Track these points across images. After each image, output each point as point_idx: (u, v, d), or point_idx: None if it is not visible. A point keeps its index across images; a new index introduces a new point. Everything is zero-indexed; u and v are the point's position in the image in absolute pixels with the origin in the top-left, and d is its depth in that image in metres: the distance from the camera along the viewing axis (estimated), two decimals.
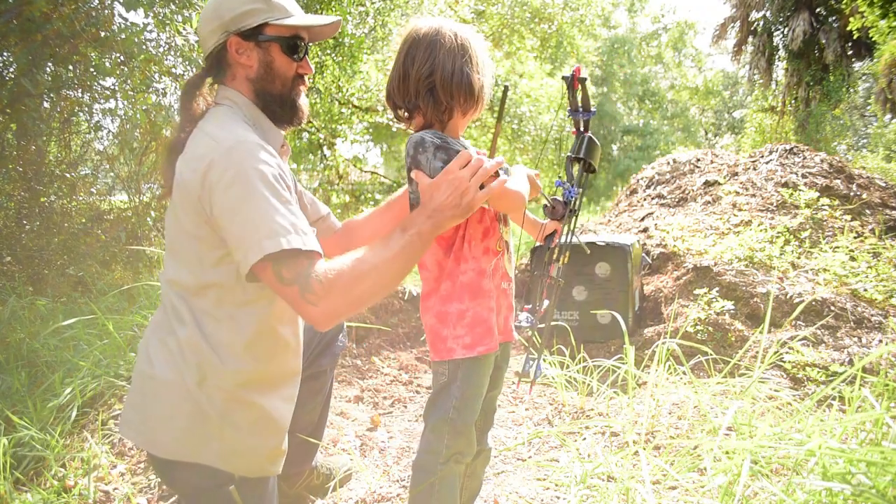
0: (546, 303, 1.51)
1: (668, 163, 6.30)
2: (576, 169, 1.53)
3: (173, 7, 3.81)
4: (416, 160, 1.33)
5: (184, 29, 3.92)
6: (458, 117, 1.42)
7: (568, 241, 1.50)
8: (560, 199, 1.47)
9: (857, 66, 17.79)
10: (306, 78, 1.49)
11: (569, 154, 1.53)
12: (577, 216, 1.50)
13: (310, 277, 1.19)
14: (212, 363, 1.31)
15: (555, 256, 1.50)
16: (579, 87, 1.50)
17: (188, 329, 1.33)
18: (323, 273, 1.20)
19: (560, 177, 1.51)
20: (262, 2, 1.40)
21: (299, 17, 1.43)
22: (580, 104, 1.52)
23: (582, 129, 1.53)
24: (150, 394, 1.35)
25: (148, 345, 1.39)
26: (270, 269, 1.20)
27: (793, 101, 17.59)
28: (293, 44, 1.44)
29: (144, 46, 3.85)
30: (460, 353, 1.42)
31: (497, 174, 1.34)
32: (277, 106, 1.45)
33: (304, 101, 1.50)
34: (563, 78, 1.51)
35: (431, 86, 1.35)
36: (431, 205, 1.27)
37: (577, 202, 1.49)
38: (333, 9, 5.92)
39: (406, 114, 1.43)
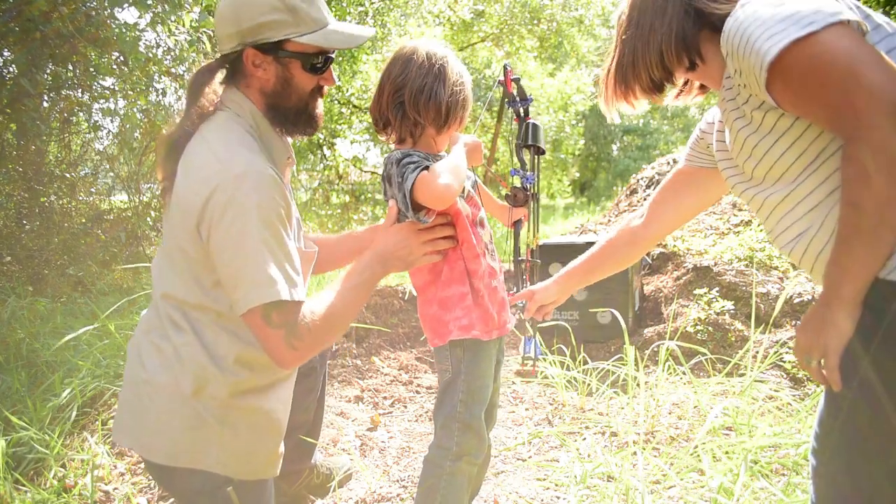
0: (528, 285, 1.64)
1: (668, 163, 6.30)
2: (527, 155, 1.60)
3: (167, 7, 3.80)
4: (388, 175, 1.40)
5: (176, 29, 3.91)
6: (430, 133, 1.45)
7: (536, 223, 1.62)
8: (518, 186, 1.56)
9: None
10: (325, 88, 1.43)
11: (517, 142, 1.60)
12: (537, 199, 1.61)
13: (298, 325, 1.23)
14: (211, 372, 1.29)
15: (528, 241, 1.63)
16: (514, 86, 1.61)
17: (186, 337, 1.30)
18: (307, 320, 1.25)
19: (514, 165, 1.59)
20: (288, 12, 1.29)
21: (327, 33, 1.34)
22: (517, 96, 1.61)
23: (523, 115, 1.62)
24: (144, 398, 1.32)
25: (140, 347, 1.36)
26: (259, 313, 1.21)
27: None
28: (316, 61, 1.36)
29: (139, 45, 3.85)
30: (456, 333, 1.44)
31: (451, 237, 1.43)
32: (289, 122, 1.40)
33: (320, 110, 1.45)
34: (499, 82, 1.62)
35: (400, 100, 1.40)
36: (382, 249, 1.38)
37: (535, 186, 1.60)
38: (333, 8, 5.93)
39: (383, 129, 1.48)
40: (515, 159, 1.64)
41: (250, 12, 1.28)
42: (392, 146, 1.50)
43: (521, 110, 1.62)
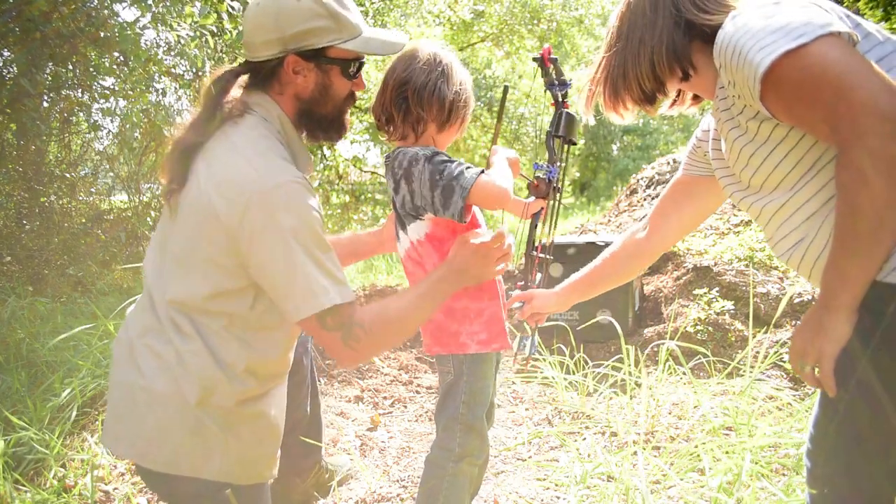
0: (539, 277, 1.64)
1: (668, 163, 6.30)
2: (557, 144, 1.58)
3: (167, 3, 3.81)
4: (409, 172, 1.38)
5: (178, 25, 3.91)
6: (432, 130, 1.46)
7: (555, 217, 1.60)
8: (543, 177, 1.54)
9: None
10: (356, 94, 1.43)
11: (549, 130, 1.58)
12: (560, 192, 1.59)
13: (353, 326, 1.25)
14: (219, 381, 1.26)
15: (542, 235, 1.60)
16: (551, 66, 1.58)
17: (192, 344, 1.26)
18: (365, 320, 1.27)
19: (538, 160, 1.57)
20: (330, 18, 1.28)
21: (366, 39, 1.35)
22: (555, 79, 1.58)
23: (560, 100, 1.59)
24: (141, 405, 1.27)
25: (134, 351, 1.30)
26: (314, 319, 1.22)
27: None
28: (352, 67, 1.36)
29: (143, 45, 3.85)
30: (475, 348, 1.46)
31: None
32: (321, 128, 1.40)
33: (349, 116, 1.45)
34: (534, 59, 1.58)
35: (404, 95, 1.41)
36: (459, 263, 1.38)
37: (560, 179, 1.57)
38: None
39: (385, 124, 1.49)
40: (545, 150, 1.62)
41: (293, 19, 1.26)
42: (391, 145, 1.50)
43: (560, 95, 1.58)
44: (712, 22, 1.08)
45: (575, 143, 1.62)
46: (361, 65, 1.39)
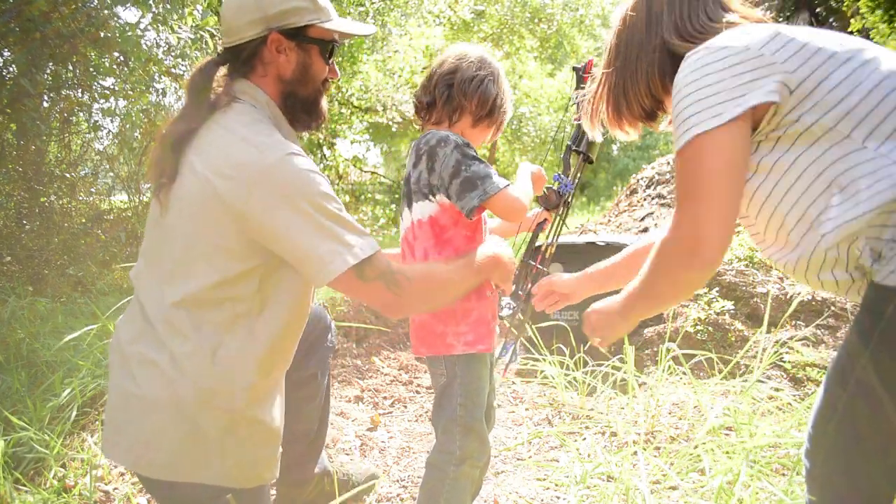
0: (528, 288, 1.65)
1: (668, 163, 6.30)
2: (574, 159, 1.57)
3: (168, 6, 3.81)
4: (433, 150, 1.42)
5: (179, 27, 3.91)
6: (467, 122, 1.49)
7: (557, 231, 1.60)
8: (555, 188, 1.55)
9: None
10: (330, 82, 1.46)
11: (569, 144, 1.58)
12: (569, 208, 1.59)
13: (394, 273, 1.27)
14: (217, 382, 1.25)
15: (543, 247, 1.62)
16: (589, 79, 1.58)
17: (189, 346, 1.24)
18: (407, 271, 1.30)
19: (558, 172, 1.58)
20: (309, 0, 1.35)
21: (340, 22, 1.41)
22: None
23: None
24: (136, 412, 1.26)
25: (127, 358, 1.29)
26: (352, 276, 1.22)
27: None
28: (330, 48, 1.40)
29: (144, 45, 3.85)
30: (461, 349, 1.46)
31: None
32: (302, 110, 1.41)
33: (325, 105, 1.48)
34: (574, 69, 1.57)
35: (450, 83, 1.48)
36: (503, 255, 1.48)
37: (571, 195, 1.58)
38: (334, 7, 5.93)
39: (424, 112, 1.53)
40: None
41: None
42: (412, 138, 1.52)
43: None
44: (688, 50, 1.10)
45: (591, 162, 1.62)
46: (334, 49, 1.42)
